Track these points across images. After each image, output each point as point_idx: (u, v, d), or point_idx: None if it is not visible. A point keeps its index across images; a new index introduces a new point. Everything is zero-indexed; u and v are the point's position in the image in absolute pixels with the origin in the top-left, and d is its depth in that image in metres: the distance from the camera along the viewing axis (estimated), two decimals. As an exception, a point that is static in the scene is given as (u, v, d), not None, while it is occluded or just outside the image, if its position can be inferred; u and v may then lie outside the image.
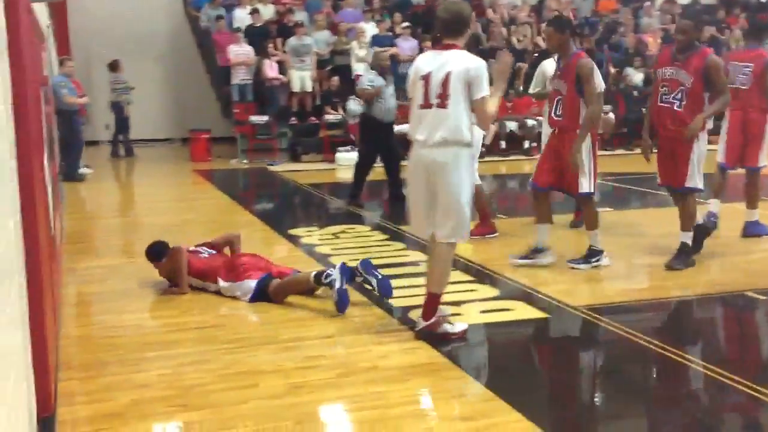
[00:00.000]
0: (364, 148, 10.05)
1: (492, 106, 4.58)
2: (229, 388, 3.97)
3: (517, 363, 4.66)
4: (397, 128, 9.78)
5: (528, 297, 5.57)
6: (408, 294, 5.51)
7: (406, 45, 15.40)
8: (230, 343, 4.65)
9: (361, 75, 9.57)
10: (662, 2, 19.86)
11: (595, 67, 6.10)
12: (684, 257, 6.27)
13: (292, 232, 8.01)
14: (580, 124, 6.03)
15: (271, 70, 15.24)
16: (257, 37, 15.49)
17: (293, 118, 15.33)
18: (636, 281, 6.23)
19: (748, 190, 7.39)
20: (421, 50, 14.90)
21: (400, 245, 7.33)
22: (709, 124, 6.35)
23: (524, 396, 3.93)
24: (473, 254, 6.70)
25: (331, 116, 15.12)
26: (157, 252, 5.99)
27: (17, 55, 3.26)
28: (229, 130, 16.21)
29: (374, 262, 5.58)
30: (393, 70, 11.26)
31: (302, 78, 15.28)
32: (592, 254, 6.27)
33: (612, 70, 15.78)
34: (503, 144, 14.72)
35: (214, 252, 6.01)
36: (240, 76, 15.16)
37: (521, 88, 14.55)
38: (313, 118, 15.29)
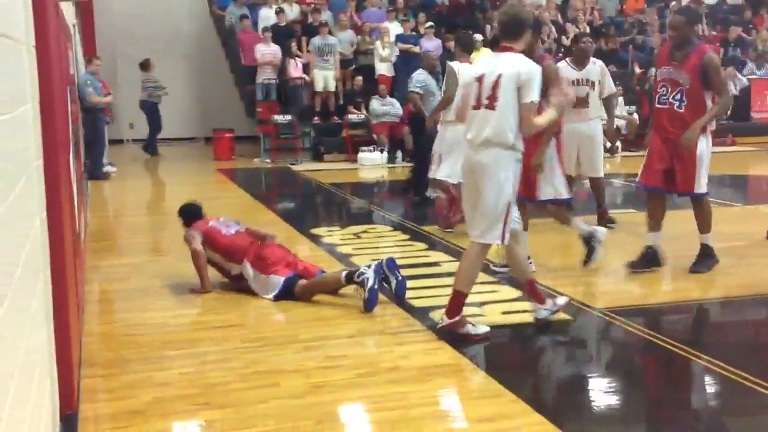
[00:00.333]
0: (418, 148, 9.86)
1: (539, 119, 4.60)
2: (250, 387, 3.98)
3: (538, 365, 4.64)
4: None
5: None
6: (430, 294, 5.50)
7: (429, 45, 15.37)
8: (252, 342, 4.67)
9: (411, 76, 9.50)
10: (688, 2, 19.70)
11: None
12: (706, 260, 6.16)
13: (314, 231, 8.03)
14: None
15: (295, 69, 15.30)
16: (282, 36, 15.56)
17: (316, 118, 15.39)
18: (659, 283, 6.16)
19: None
20: (444, 50, 14.89)
21: (421, 245, 7.32)
22: (712, 125, 6.06)
23: (546, 398, 3.90)
24: (494, 255, 6.64)
25: (354, 116, 15.15)
26: (187, 214, 6.09)
27: (44, 53, 3.29)
28: (252, 130, 16.30)
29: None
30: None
31: (325, 77, 15.33)
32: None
33: (637, 70, 15.71)
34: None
35: (241, 230, 5.89)
36: (265, 76, 15.25)
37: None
38: (335, 118, 15.34)
